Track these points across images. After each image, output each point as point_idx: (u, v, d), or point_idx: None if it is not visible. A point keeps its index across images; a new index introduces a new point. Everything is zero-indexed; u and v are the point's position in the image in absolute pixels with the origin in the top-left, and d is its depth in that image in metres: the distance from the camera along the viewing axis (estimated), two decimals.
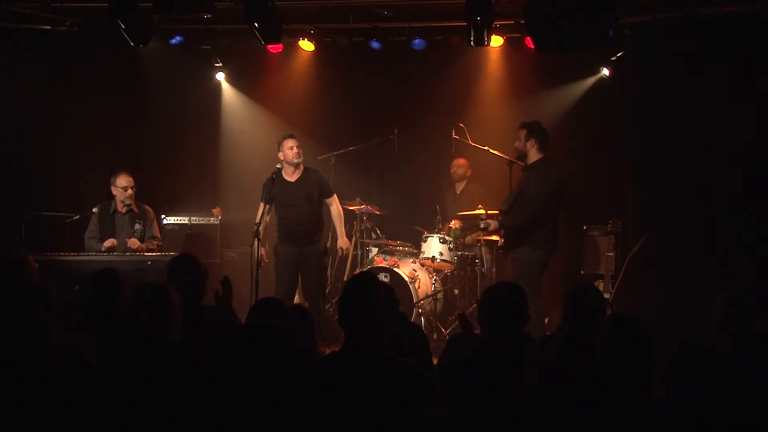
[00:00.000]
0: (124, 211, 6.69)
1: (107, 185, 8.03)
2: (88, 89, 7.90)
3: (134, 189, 6.69)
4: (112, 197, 6.71)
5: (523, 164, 6.26)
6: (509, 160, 6.52)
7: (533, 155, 6.14)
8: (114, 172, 6.80)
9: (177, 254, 4.80)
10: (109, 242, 6.56)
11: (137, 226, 6.68)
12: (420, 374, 2.91)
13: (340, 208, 6.79)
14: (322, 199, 6.65)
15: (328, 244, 7.05)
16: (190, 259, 4.27)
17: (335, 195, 6.73)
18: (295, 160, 6.49)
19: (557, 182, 6.12)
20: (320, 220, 6.68)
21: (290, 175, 6.54)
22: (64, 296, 3.29)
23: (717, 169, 6.81)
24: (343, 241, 6.77)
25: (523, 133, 6.15)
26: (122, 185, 6.64)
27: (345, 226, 6.84)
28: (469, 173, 7.84)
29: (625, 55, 7.27)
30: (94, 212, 6.74)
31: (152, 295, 3.13)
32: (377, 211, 7.77)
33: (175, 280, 3.94)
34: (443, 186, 8.16)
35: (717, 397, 2.64)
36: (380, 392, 2.84)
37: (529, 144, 6.13)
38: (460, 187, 7.93)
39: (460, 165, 7.83)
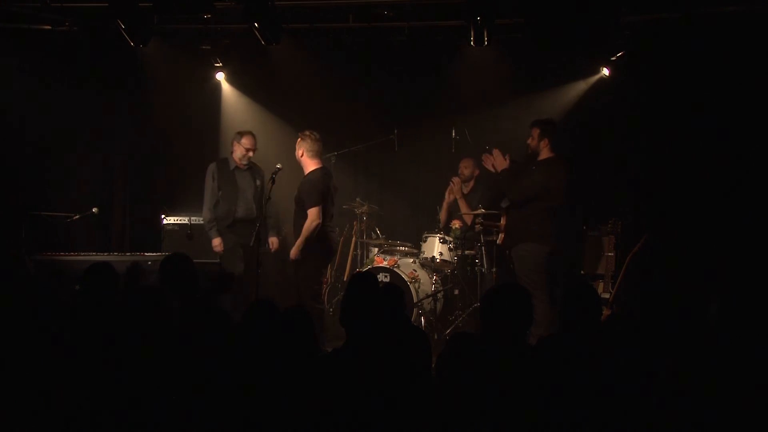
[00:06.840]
0: (244, 167, 6.83)
1: (107, 185, 8.00)
2: (88, 89, 7.90)
3: (255, 152, 6.84)
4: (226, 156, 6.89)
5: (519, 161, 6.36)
6: (509, 159, 6.51)
7: (545, 153, 6.22)
8: (239, 133, 6.90)
9: (167, 255, 4.73)
10: (217, 242, 6.73)
11: (257, 182, 6.84)
12: (420, 370, 2.91)
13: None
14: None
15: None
16: (180, 258, 4.26)
17: None
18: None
19: (563, 179, 6.12)
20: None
21: None
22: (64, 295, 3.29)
23: (717, 169, 6.82)
24: None
25: (537, 132, 6.22)
26: (247, 146, 6.77)
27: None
28: (476, 173, 7.77)
29: (625, 55, 7.27)
30: (93, 212, 6.74)
31: (147, 297, 3.12)
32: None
33: (167, 281, 3.93)
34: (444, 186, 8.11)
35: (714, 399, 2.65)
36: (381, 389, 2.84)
37: (542, 143, 6.20)
38: (467, 188, 7.87)
39: (467, 165, 7.71)
